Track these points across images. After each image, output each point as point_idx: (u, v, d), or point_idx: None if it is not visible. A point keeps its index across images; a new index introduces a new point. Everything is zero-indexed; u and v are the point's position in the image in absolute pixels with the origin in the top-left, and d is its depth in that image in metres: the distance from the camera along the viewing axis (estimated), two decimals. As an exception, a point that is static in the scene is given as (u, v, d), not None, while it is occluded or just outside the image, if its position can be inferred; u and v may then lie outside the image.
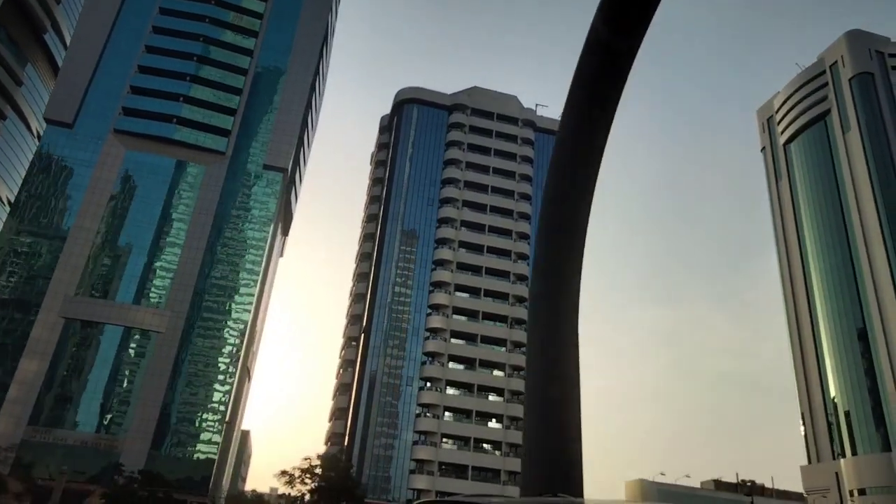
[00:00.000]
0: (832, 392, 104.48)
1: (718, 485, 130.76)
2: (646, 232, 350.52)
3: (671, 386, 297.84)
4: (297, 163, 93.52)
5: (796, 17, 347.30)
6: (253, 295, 79.83)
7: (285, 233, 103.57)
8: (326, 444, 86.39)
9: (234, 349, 76.75)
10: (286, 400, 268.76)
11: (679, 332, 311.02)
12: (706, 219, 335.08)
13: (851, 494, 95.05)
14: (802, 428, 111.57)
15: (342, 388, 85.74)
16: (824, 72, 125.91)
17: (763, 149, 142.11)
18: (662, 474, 76.00)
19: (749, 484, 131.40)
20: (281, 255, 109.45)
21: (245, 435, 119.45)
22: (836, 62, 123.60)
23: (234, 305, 78.37)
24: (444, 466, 76.36)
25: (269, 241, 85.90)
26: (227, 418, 75.03)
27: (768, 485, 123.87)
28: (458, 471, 76.63)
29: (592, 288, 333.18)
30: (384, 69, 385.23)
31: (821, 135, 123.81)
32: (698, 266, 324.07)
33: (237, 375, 76.09)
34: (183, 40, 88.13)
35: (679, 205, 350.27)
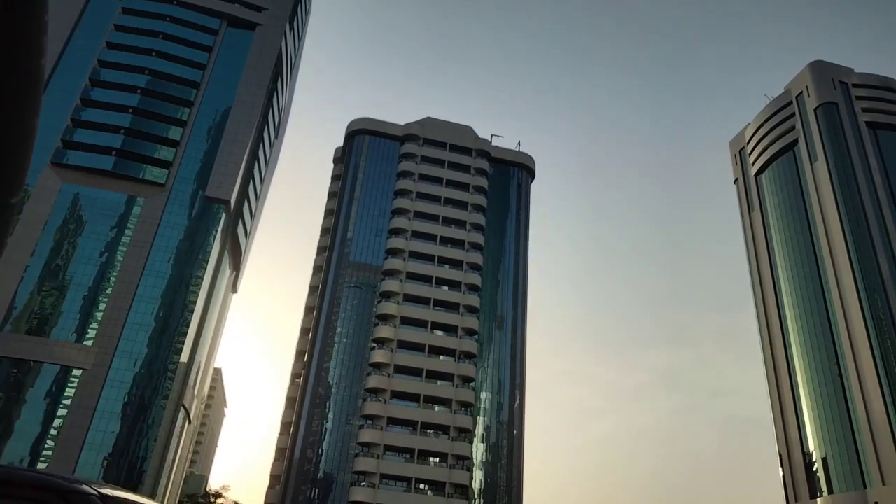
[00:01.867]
0: (808, 431, 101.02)
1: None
2: (649, 273, 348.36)
3: (678, 428, 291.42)
4: (244, 196, 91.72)
5: (771, 47, 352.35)
6: (187, 331, 76.85)
7: (236, 268, 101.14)
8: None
9: (164, 388, 73.50)
10: (258, 446, 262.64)
11: (686, 373, 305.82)
12: (708, 256, 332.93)
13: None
14: (780, 469, 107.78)
15: (283, 427, 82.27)
16: (791, 102, 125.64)
17: (736, 180, 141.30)
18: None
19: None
20: (234, 291, 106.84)
21: (198, 479, 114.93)
22: (801, 92, 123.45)
23: (164, 342, 75.36)
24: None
25: (210, 276, 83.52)
26: (155, 458, 71.38)
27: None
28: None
29: (597, 329, 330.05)
30: (352, 105, 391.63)
31: (790, 165, 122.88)
32: (703, 305, 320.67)
33: (165, 414, 72.66)
34: (128, 73, 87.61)
35: (679, 243, 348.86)
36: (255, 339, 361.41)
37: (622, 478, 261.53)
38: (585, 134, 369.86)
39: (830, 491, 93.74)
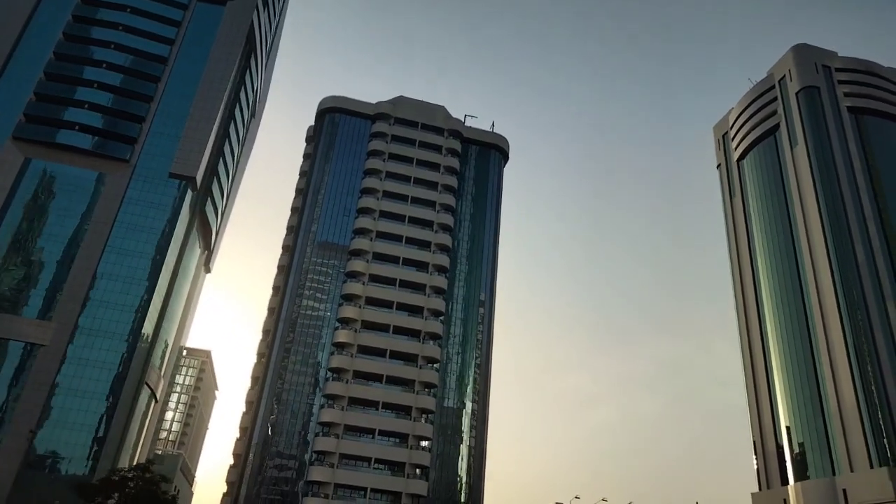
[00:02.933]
0: (782, 419, 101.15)
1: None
2: (649, 262, 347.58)
3: (677, 416, 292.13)
4: (212, 174, 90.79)
5: (759, 30, 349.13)
6: (149, 309, 76.03)
7: (207, 247, 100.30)
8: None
9: (124, 366, 72.82)
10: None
11: (686, 363, 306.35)
12: (706, 245, 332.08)
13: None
14: (754, 457, 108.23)
15: (248, 406, 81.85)
16: (774, 87, 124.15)
17: (718, 165, 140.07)
18: (577, 497, 71.95)
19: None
20: (207, 270, 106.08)
21: (173, 459, 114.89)
22: (784, 76, 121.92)
23: (126, 319, 74.66)
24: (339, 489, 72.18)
25: (176, 253, 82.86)
26: (114, 435, 70.98)
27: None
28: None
29: (597, 319, 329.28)
30: (333, 85, 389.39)
31: (771, 150, 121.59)
32: (701, 295, 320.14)
33: (125, 392, 72.11)
34: (94, 47, 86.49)
35: (676, 232, 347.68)
36: (245, 322, 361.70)
37: (622, 464, 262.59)
38: (570, 119, 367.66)
39: (802, 478, 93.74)
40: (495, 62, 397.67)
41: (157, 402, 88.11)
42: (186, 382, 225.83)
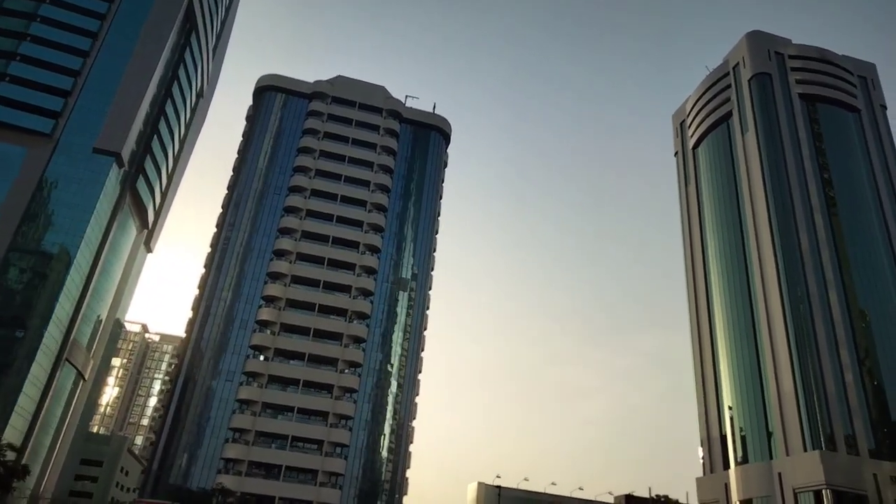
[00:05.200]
0: (726, 406, 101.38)
1: (630, 499, 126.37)
2: (642, 255, 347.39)
3: (669, 409, 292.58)
4: (144, 151, 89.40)
5: (724, 16, 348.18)
6: (62, 285, 74.69)
7: (145, 226, 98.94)
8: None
9: (35, 342, 71.52)
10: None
11: (677, 356, 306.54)
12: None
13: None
14: (700, 448, 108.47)
15: (169, 384, 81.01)
16: (728, 74, 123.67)
17: (676, 153, 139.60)
18: (498, 477, 71.80)
19: (662, 499, 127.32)
20: (149, 250, 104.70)
21: (119, 440, 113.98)
22: (738, 64, 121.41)
23: (40, 295, 73.42)
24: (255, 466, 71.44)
25: (101, 230, 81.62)
26: (23, 413, 69.95)
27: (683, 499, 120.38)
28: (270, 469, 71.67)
29: (590, 311, 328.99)
30: (286, 66, 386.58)
31: (724, 137, 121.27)
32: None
33: (36, 368, 70.88)
34: (18, 19, 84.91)
35: (674, 226, 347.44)
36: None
37: (613, 456, 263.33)
38: (541, 105, 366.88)
39: (743, 462, 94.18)
40: (456, 48, 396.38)
41: (84, 380, 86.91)
42: (163, 368, 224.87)
